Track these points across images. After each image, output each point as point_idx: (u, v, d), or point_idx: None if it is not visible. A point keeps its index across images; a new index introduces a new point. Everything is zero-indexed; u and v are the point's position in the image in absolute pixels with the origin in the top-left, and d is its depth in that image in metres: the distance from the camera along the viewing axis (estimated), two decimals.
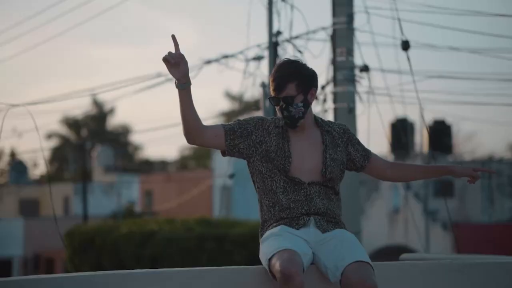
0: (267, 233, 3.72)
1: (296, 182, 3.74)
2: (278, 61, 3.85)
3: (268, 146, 3.76)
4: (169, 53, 3.58)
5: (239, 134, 3.75)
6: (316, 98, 3.92)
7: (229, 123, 3.82)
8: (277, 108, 3.80)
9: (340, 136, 3.88)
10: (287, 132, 3.80)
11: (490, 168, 26.06)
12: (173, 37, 3.59)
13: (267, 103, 8.51)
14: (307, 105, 3.77)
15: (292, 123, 3.77)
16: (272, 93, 3.78)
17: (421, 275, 3.95)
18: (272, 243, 3.58)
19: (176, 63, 3.57)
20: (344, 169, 3.87)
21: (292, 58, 3.84)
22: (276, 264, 3.44)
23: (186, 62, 3.61)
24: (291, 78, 3.74)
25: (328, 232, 3.71)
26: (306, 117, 3.79)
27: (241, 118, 3.88)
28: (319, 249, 3.66)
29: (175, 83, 3.62)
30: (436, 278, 3.97)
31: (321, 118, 3.92)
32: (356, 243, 3.66)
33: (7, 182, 40.97)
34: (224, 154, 3.81)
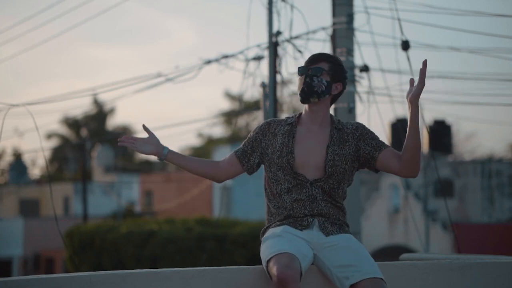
0: (269, 231, 3.72)
1: (300, 181, 3.72)
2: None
3: (274, 147, 3.77)
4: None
5: (251, 151, 3.83)
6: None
7: (242, 144, 3.90)
8: (299, 79, 3.78)
9: (351, 132, 3.78)
10: (294, 129, 3.79)
11: (489, 168, 26.07)
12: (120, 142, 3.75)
13: (267, 103, 8.49)
14: (329, 88, 3.75)
15: (307, 96, 3.74)
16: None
17: (421, 275, 3.95)
18: (272, 245, 3.56)
19: (141, 141, 3.74)
20: (352, 167, 3.76)
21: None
22: (274, 268, 3.43)
23: (145, 143, 3.77)
24: (328, 59, 3.80)
25: (333, 235, 3.67)
26: (321, 106, 3.76)
27: (251, 129, 3.89)
28: (322, 252, 3.63)
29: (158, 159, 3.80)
30: (436, 278, 3.97)
31: (338, 119, 3.85)
32: (365, 254, 3.59)
33: (7, 182, 40.98)
34: (249, 173, 3.90)
